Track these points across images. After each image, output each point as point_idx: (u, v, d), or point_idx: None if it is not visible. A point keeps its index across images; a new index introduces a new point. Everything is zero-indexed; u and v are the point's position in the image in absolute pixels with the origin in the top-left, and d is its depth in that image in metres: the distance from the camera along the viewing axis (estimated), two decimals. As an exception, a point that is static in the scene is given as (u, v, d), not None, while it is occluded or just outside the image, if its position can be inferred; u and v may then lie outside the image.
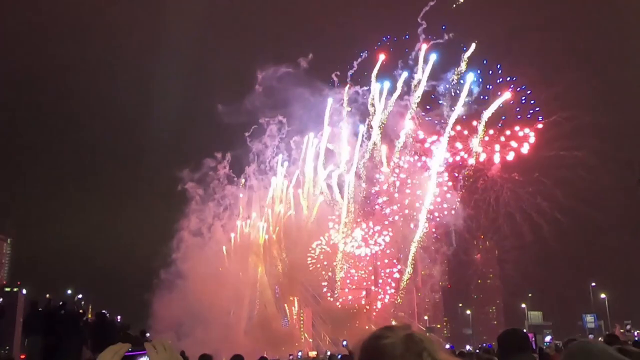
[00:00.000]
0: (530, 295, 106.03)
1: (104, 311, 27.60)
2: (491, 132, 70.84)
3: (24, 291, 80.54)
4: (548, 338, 58.77)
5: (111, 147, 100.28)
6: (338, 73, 70.82)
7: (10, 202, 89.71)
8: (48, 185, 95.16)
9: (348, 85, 71.01)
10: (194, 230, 67.77)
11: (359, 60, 70.92)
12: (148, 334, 30.61)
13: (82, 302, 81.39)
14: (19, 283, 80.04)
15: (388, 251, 73.43)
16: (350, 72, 70.96)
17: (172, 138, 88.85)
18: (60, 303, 23.43)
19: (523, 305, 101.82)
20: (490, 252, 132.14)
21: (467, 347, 70.90)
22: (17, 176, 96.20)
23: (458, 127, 69.84)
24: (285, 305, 70.52)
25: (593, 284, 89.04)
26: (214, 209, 69.59)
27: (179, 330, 61.68)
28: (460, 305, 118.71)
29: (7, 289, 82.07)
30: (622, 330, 56.10)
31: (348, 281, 71.81)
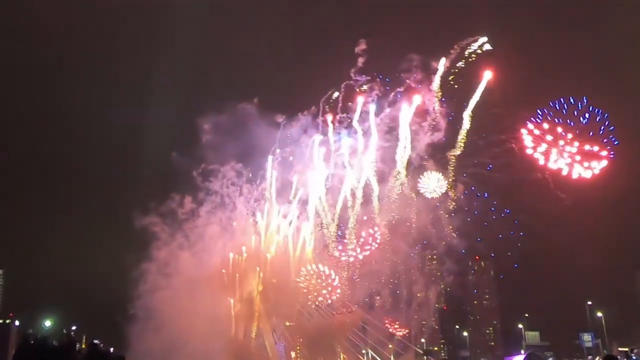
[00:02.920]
0: (526, 315, 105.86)
1: (96, 341, 27.35)
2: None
3: (17, 323, 79.68)
4: (550, 360, 58.41)
5: (91, 184, 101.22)
6: (284, 117, 72.21)
7: (2, 233, 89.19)
8: (39, 217, 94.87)
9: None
10: (160, 263, 68.83)
11: (305, 113, 72.33)
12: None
13: (73, 334, 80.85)
14: (11, 315, 79.19)
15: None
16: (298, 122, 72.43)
17: (133, 180, 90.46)
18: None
19: (520, 326, 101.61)
20: (485, 273, 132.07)
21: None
22: (9, 208, 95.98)
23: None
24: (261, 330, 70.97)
25: (589, 302, 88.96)
26: (180, 241, 70.94)
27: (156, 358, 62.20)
28: (457, 327, 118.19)
29: (0, 321, 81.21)
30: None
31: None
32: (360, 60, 68.05)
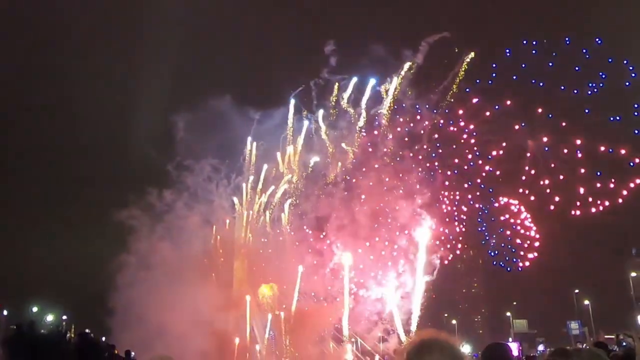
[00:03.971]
0: (514, 303, 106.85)
1: (87, 330, 27.26)
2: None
3: (5, 312, 79.31)
4: (541, 347, 59.19)
5: (78, 175, 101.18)
6: (258, 113, 72.40)
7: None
8: (25, 205, 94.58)
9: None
10: (140, 255, 69.00)
11: (281, 108, 72.49)
12: (133, 354, 30.26)
13: (64, 323, 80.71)
14: (0, 305, 78.84)
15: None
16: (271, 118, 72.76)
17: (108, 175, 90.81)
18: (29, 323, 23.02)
19: (508, 314, 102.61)
20: (474, 261, 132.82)
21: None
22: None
23: None
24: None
25: (576, 290, 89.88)
26: (160, 233, 71.22)
27: (141, 346, 62.39)
28: (446, 315, 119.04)
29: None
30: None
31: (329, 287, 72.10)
32: (333, 60, 68.00)
